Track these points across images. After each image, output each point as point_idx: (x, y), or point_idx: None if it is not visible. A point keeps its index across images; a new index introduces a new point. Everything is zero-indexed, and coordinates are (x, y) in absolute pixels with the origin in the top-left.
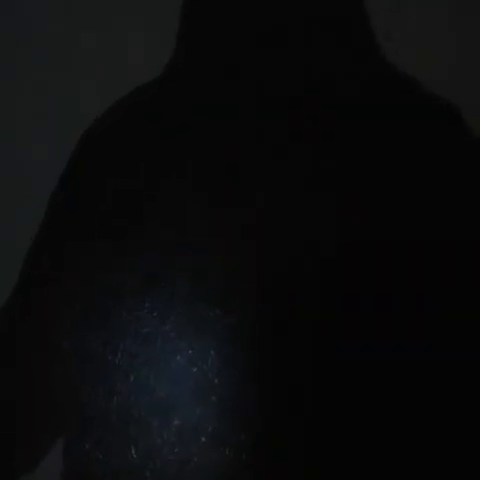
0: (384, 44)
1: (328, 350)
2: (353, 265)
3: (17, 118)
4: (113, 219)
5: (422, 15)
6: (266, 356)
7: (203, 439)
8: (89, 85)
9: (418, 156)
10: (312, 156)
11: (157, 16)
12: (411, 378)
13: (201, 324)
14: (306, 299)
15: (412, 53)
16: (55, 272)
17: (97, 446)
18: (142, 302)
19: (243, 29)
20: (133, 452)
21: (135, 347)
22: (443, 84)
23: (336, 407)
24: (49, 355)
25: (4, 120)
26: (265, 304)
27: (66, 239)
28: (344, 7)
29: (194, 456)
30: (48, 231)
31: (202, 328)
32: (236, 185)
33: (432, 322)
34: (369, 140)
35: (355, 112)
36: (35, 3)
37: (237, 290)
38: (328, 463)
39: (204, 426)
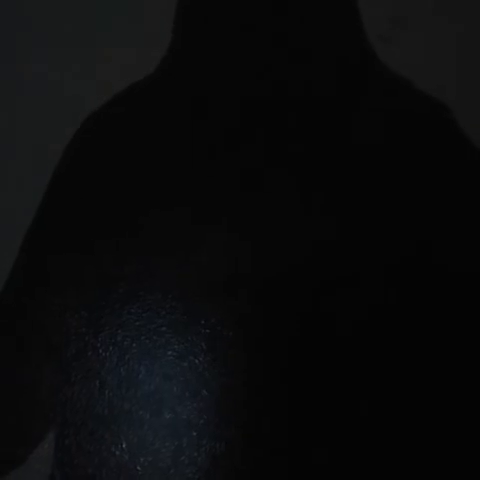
0: (380, 46)
1: (319, 345)
2: (352, 271)
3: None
4: (109, 215)
5: (420, 19)
6: (257, 350)
7: (194, 433)
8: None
9: (411, 157)
10: (307, 161)
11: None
12: (411, 380)
13: (192, 319)
14: (299, 296)
15: (409, 55)
16: (46, 266)
17: (88, 439)
18: (135, 296)
19: (238, 32)
20: (124, 445)
21: (127, 341)
22: (441, 86)
23: (325, 399)
24: (40, 348)
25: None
26: (257, 300)
27: (59, 234)
28: (339, 11)
29: (185, 449)
30: (42, 225)
31: (193, 323)
32: (234, 188)
33: (432, 324)
34: (361, 140)
35: (347, 116)
36: None
37: (228, 287)
38: (318, 456)
39: (195, 420)
